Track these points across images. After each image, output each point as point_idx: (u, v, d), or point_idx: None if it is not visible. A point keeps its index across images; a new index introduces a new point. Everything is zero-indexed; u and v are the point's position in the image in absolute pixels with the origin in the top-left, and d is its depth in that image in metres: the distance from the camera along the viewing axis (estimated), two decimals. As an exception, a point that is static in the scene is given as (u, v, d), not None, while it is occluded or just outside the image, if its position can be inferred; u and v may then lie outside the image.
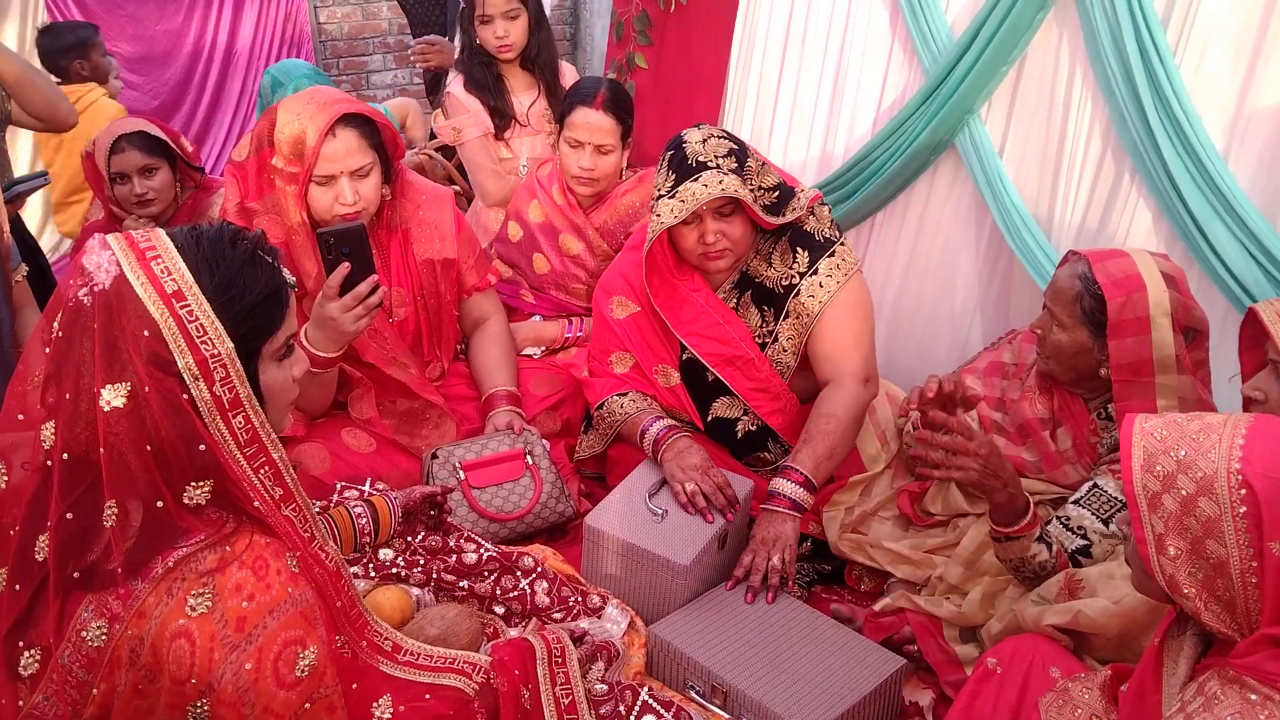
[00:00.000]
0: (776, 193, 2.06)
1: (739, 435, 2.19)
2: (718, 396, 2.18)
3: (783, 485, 1.94)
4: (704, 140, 2.02)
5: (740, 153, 2.03)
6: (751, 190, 2.01)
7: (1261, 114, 1.94)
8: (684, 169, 2.00)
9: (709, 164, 1.98)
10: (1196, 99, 1.98)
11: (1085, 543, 1.68)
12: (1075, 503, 1.72)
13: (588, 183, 2.63)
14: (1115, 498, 1.69)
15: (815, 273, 2.08)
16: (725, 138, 2.05)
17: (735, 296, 2.17)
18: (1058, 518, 1.72)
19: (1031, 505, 1.67)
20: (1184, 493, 1.02)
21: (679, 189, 2.00)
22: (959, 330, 2.59)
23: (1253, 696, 0.98)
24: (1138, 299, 1.65)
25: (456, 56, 3.16)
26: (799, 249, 2.10)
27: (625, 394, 2.22)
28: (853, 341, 2.08)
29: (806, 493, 1.93)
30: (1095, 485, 1.72)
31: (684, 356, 2.18)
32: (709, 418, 2.20)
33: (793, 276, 2.09)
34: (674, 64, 3.19)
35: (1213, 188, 1.94)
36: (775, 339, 2.13)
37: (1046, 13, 2.21)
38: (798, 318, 2.09)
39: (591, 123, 2.55)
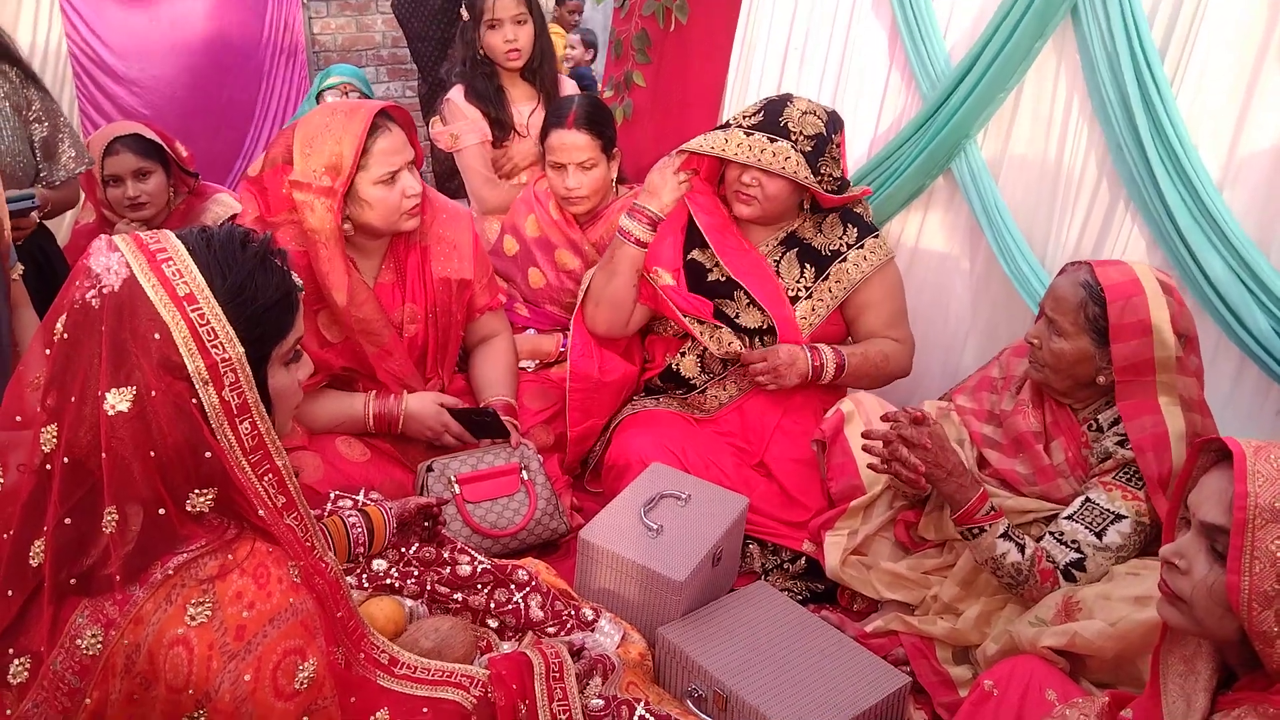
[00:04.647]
0: (839, 183, 2.27)
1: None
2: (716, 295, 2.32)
3: (826, 350, 2.23)
4: (804, 114, 2.17)
5: (824, 141, 2.17)
6: (816, 175, 2.17)
7: (1257, 145, 1.97)
8: (770, 122, 2.16)
9: (791, 135, 2.14)
10: (1193, 129, 2.00)
11: (1079, 556, 1.68)
12: (1068, 518, 1.72)
13: (578, 201, 2.63)
14: (1107, 510, 1.70)
15: (862, 246, 2.29)
16: (824, 120, 2.19)
17: (780, 251, 2.31)
18: (1050, 533, 1.73)
19: (987, 497, 1.73)
20: None
21: (753, 135, 2.16)
22: (951, 353, 2.60)
23: None
24: (1138, 303, 1.68)
25: (458, 68, 3.15)
26: (849, 224, 2.31)
27: None
28: (902, 319, 2.35)
29: (835, 371, 2.23)
30: (1087, 499, 1.73)
31: (688, 257, 2.33)
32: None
33: (841, 245, 2.30)
34: (672, 82, 3.21)
35: (1208, 218, 1.96)
36: (810, 295, 2.29)
37: (1045, 41, 2.23)
38: (837, 282, 2.28)
39: (567, 142, 2.56)
